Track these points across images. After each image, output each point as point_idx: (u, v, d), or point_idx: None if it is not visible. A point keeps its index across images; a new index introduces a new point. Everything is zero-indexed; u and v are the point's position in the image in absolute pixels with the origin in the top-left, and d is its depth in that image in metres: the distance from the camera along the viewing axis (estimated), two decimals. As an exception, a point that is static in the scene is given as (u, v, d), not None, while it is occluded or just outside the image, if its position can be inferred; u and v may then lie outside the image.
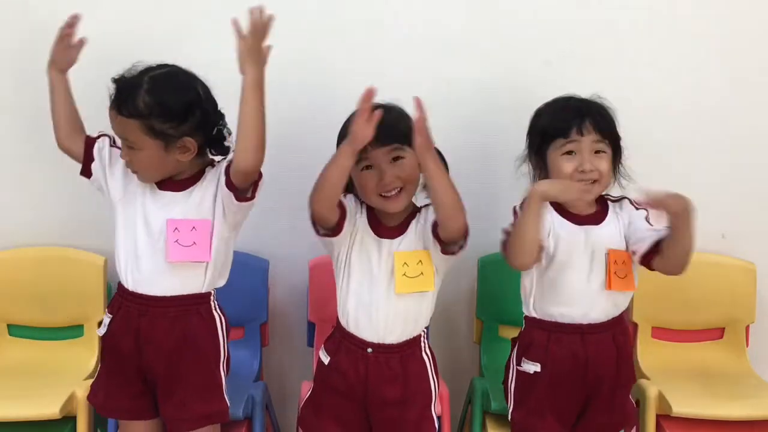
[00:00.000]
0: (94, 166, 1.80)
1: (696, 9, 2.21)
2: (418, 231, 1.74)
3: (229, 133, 1.75)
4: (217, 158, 1.78)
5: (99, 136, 1.82)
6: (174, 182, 1.74)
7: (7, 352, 2.18)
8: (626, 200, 1.83)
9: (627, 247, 1.78)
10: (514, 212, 1.79)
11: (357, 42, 2.19)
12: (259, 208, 2.04)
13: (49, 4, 2.05)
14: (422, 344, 1.79)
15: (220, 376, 1.78)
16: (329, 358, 1.77)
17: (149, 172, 1.72)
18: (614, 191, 1.85)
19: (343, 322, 1.76)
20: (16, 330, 2.21)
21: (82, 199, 2.05)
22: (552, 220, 1.77)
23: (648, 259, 1.74)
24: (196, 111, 1.70)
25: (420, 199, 1.80)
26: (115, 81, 1.70)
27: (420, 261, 1.71)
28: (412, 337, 1.76)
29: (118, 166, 1.79)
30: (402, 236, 1.74)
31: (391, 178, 1.68)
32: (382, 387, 1.72)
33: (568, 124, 1.74)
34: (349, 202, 1.75)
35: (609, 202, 1.84)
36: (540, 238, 1.72)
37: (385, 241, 1.73)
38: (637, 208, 1.81)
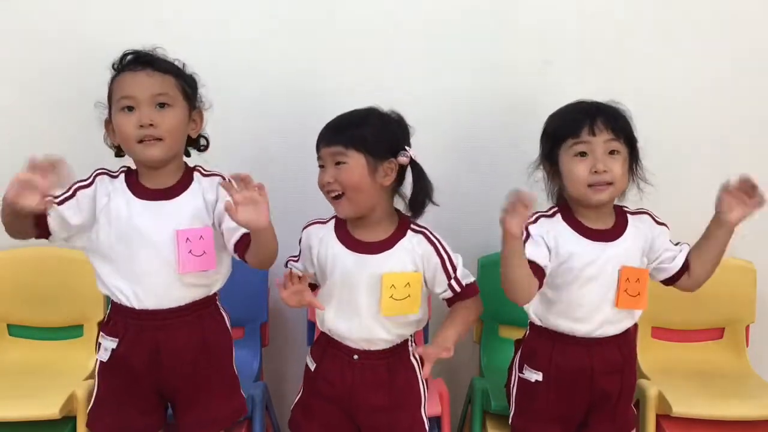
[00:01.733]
0: (51, 223, 1.63)
1: (697, 9, 2.21)
2: (408, 250, 1.70)
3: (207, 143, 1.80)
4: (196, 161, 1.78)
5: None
6: (160, 191, 1.69)
7: (7, 352, 2.18)
8: (647, 215, 1.78)
9: (647, 263, 1.76)
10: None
11: (355, 42, 2.20)
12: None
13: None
14: (410, 347, 1.77)
15: (235, 371, 1.79)
16: (315, 365, 1.76)
17: (172, 139, 1.66)
18: (633, 195, 1.81)
19: (325, 331, 1.75)
20: (16, 330, 2.21)
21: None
22: (563, 235, 1.73)
23: (674, 278, 1.78)
24: (199, 95, 1.76)
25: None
26: (130, 52, 1.69)
27: (408, 283, 1.67)
28: (399, 343, 1.74)
29: (72, 201, 1.65)
30: (387, 253, 1.69)
31: (329, 179, 1.66)
32: (368, 394, 1.71)
33: (578, 123, 1.68)
34: (301, 261, 1.77)
35: (628, 215, 1.78)
36: (529, 273, 1.66)
37: (367, 258, 1.69)
38: (657, 224, 1.78)
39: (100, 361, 1.73)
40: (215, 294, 1.77)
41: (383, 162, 1.67)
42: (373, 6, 2.19)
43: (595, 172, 1.67)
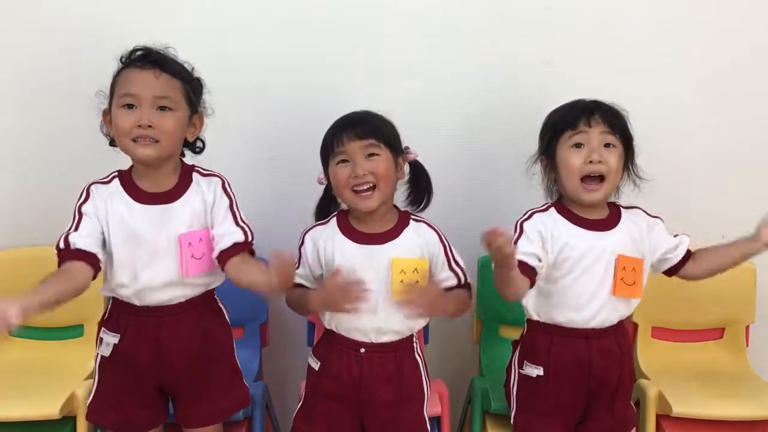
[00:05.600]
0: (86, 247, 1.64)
1: (697, 10, 2.21)
2: (413, 238, 1.74)
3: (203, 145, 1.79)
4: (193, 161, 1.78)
5: (66, 241, 1.65)
6: (160, 195, 1.69)
7: (7, 352, 2.18)
8: (639, 209, 1.81)
9: (643, 255, 1.77)
10: (516, 228, 1.76)
11: (357, 42, 2.20)
12: (259, 210, 2.06)
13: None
14: (415, 344, 1.79)
15: (237, 362, 1.80)
16: (319, 364, 1.76)
17: (169, 141, 1.65)
18: (628, 193, 1.83)
19: (332, 327, 1.76)
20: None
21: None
22: (558, 227, 1.74)
23: (677, 267, 1.80)
24: (203, 101, 1.75)
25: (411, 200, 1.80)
26: (140, 48, 1.67)
27: (416, 269, 1.71)
28: (406, 336, 1.76)
29: (84, 219, 1.67)
30: (393, 242, 1.73)
31: (364, 171, 1.68)
32: (376, 387, 1.72)
33: (577, 116, 1.73)
34: (303, 266, 1.76)
35: (621, 209, 1.80)
36: (522, 280, 1.67)
37: (375, 248, 1.72)
38: (651, 217, 1.81)
39: (102, 356, 1.74)
40: (213, 290, 1.78)
41: (399, 158, 1.74)
42: (376, 3, 2.19)
43: (590, 162, 1.70)
